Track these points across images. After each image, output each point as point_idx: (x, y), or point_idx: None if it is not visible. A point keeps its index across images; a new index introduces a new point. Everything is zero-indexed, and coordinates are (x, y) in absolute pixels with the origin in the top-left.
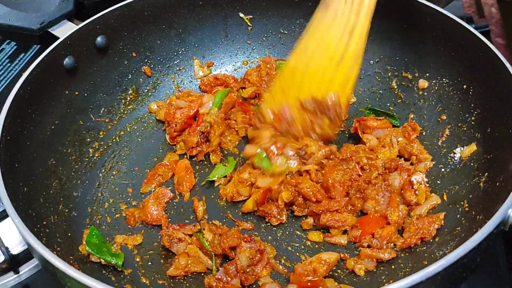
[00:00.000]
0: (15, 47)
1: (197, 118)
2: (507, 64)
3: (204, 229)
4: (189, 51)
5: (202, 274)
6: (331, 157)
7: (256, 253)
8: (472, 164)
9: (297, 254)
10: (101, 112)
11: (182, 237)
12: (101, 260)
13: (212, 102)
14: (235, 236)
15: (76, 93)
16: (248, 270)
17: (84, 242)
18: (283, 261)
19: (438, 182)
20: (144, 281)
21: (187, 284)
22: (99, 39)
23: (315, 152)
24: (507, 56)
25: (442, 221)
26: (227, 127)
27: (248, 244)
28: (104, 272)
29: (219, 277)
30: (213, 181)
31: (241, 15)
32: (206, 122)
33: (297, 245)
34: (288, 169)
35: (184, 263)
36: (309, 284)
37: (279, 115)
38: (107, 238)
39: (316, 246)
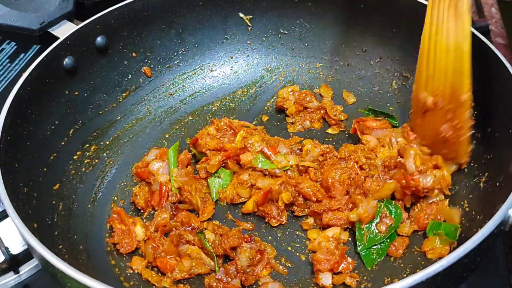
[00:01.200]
0: (15, 47)
1: (159, 189)
2: (507, 64)
3: (206, 229)
4: (189, 51)
5: (204, 274)
6: (330, 156)
7: (256, 253)
8: (472, 164)
9: (297, 254)
10: (101, 112)
11: (191, 240)
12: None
13: (162, 166)
14: (236, 236)
15: (76, 93)
16: (248, 270)
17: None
18: (283, 261)
19: None
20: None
21: (187, 285)
22: (99, 39)
23: (311, 149)
24: (507, 56)
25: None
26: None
27: (248, 244)
28: (111, 271)
29: (220, 277)
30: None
31: (241, 15)
32: (174, 190)
33: (297, 245)
34: (288, 163)
35: (188, 266)
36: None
37: (436, 102)
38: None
39: None
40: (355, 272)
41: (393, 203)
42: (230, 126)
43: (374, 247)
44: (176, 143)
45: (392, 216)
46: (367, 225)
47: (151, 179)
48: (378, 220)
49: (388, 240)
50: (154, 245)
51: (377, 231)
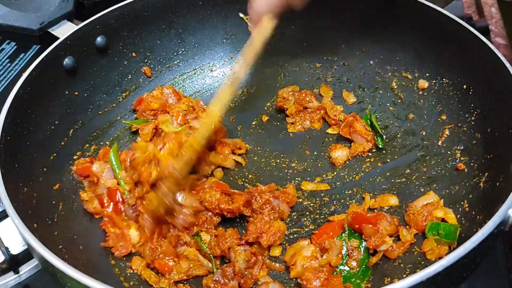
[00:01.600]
0: (15, 47)
1: (107, 195)
2: (507, 64)
3: (201, 231)
4: (189, 51)
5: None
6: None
7: (251, 256)
8: (472, 164)
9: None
10: (101, 112)
11: (188, 241)
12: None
13: (105, 168)
14: (234, 236)
15: (76, 93)
16: (246, 273)
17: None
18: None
19: (438, 182)
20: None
21: (187, 284)
22: (99, 39)
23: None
24: (507, 56)
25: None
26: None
27: (242, 247)
28: (111, 271)
29: (217, 279)
30: None
31: (241, 15)
32: (126, 193)
33: (294, 242)
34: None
35: (186, 267)
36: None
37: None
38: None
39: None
40: None
41: (356, 235)
42: (174, 91)
43: (353, 279)
44: (115, 144)
45: (361, 249)
46: (338, 267)
47: (94, 178)
48: (346, 258)
49: (361, 276)
50: (152, 246)
51: (348, 269)
